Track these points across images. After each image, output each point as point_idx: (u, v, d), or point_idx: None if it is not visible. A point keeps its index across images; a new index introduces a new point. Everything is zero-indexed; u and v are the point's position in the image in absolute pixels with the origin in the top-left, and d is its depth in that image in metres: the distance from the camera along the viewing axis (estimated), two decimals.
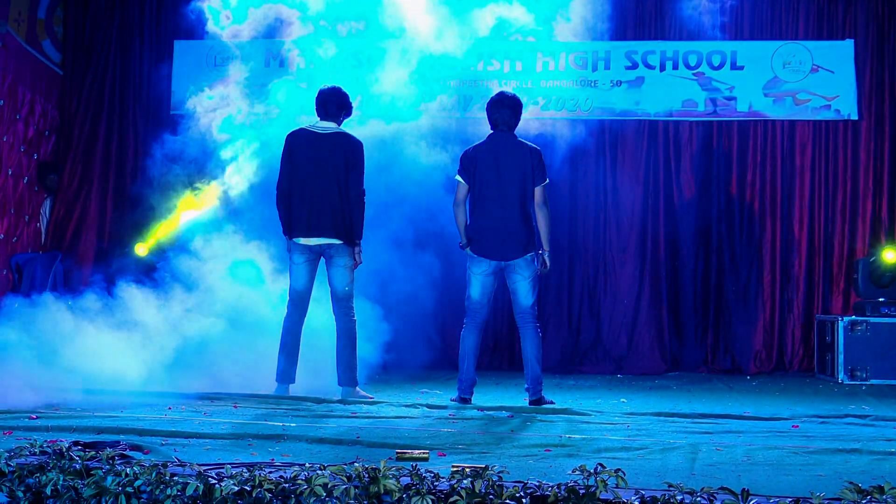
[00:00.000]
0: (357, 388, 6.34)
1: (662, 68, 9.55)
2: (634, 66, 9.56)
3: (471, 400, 6.24)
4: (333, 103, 6.42)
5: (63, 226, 9.70)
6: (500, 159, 6.16)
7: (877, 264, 8.71)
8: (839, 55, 9.40)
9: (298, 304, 6.41)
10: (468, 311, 6.32)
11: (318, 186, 6.27)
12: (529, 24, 9.27)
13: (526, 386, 6.23)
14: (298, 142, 6.37)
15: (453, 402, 6.16)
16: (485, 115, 6.47)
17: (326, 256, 6.37)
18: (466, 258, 6.31)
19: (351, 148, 6.35)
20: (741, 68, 9.50)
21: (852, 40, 9.40)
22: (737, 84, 9.48)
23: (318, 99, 6.46)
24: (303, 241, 6.30)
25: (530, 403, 6.11)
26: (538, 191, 6.17)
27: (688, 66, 9.52)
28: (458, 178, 6.25)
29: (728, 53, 9.50)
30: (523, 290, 6.20)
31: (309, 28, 8.39)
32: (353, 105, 6.59)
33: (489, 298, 6.32)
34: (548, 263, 6.25)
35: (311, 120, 6.55)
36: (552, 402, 6.15)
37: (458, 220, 6.26)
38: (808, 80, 9.41)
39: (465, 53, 8.75)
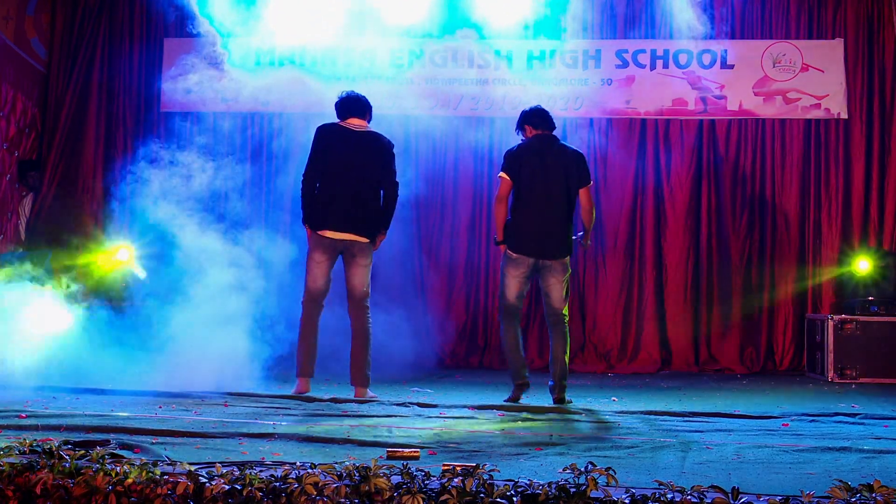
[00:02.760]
0: (367, 390, 6.33)
1: (653, 67, 9.56)
2: (625, 64, 9.57)
3: (528, 383, 6.21)
4: (368, 107, 6.50)
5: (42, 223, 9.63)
6: (546, 160, 6.20)
7: (850, 277, 8.85)
8: (829, 54, 9.43)
9: (316, 301, 6.40)
10: (504, 311, 6.31)
11: (351, 182, 6.28)
12: (521, 23, 9.31)
13: (551, 384, 6.21)
14: (331, 136, 6.38)
15: (506, 402, 6.11)
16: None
17: (348, 254, 6.35)
18: (503, 259, 6.32)
19: (385, 147, 6.42)
20: (731, 67, 9.52)
21: (842, 40, 9.43)
22: (727, 83, 9.50)
23: (347, 100, 6.48)
24: (330, 234, 6.28)
25: (555, 402, 6.12)
26: (584, 192, 6.24)
27: (678, 65, 9.54)
28: (504, 174, 6.24)
29: (718, 52, 9.52)
30: (557, 293, 6.21)
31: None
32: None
33: (524, 298, 6.35)
34: (587, 244, 6.39)
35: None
36: (571, 401, 6.18)
37: (498, 216, 6.28)
38: (798, 79, 9.43)
39: (456, 52, 8.77)
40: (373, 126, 6.50)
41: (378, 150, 6.38)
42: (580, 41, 9.54)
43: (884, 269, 8.77)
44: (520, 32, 9.42)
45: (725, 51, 9.53)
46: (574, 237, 6.35)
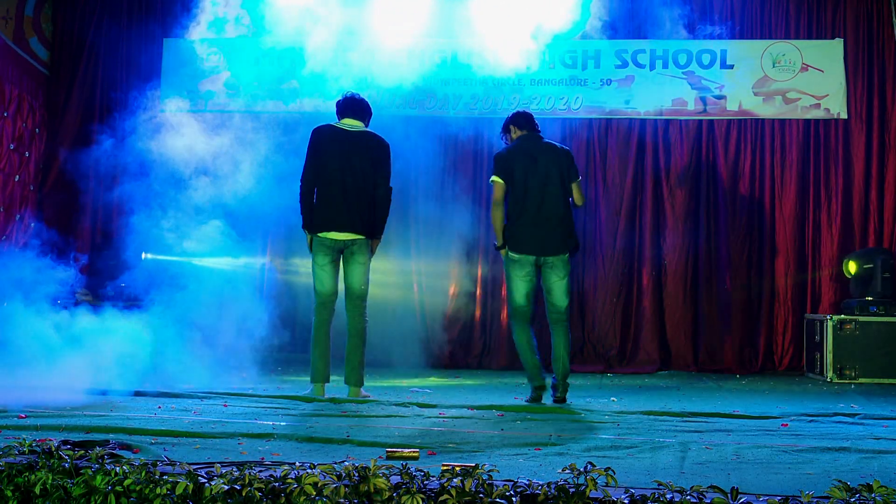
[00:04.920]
0: (361, 389, 6.34)
1: (652, 67, 9.56)
2: (624, 64, 9.57)
3: (546, 385, 6.23)
4: (366, 108, 6.52)
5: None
6: (538, 158, 6.23)
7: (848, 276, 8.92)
8: (829, 54, 9.43)
9: (328, 305, 6.39)
10: (515, 314, 6.31)
11: (347, 182, 6.28)
12: (519, 23, 9.29)
13: (553, 382, 6.23)
14: (325, 137, 6.39)
15: (527, 402, 6.14)
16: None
17: (347, 252, 6.36)
18: (504, 263, 6.33)
19: (380, 147, 6.42)
20: (731, 67, 9.52)
21: (842, 39, 9.43)
22: (727, 83, 9.50)
23: (345, 100, 6.51)
24: (330, 235, 6.28)
25: (556, 401, 6.13)
26: (575, 187, 6.27)
27: (678, 65, 9.53)
28: (497, 178, 6.25)
29: (718, 52, 9.52)
30: (560, 291, 6.22)
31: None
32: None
33: (533, 298, 6.34)
34: (577, 242, 6.35)
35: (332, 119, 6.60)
36: (570, 402, 6.20)
37: (496, 220, 6.27)
38: (798, 79, 9.43)
39: (454, 51, 8.76)
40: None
41: (372, 149, 6.38)
42: (579, 41, 9.54)
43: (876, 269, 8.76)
44: (520, 32, 9.39)
45: (725, 51, 9.52)
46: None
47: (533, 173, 6.18)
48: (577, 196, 6.30)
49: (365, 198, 6.32)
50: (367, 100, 6.58)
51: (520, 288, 6.24)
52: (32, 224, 9.45)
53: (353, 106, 6.49)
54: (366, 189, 6.33)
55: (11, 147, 9.17)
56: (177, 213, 8.02)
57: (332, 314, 6.43)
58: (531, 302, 6.31)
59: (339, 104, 6.53)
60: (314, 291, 6.42)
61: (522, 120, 6.40)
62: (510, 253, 6.24)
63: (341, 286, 6.44)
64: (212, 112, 9.61)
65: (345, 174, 6.28)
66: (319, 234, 6.32)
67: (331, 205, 6.28)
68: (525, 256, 6.19)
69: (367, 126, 6.53)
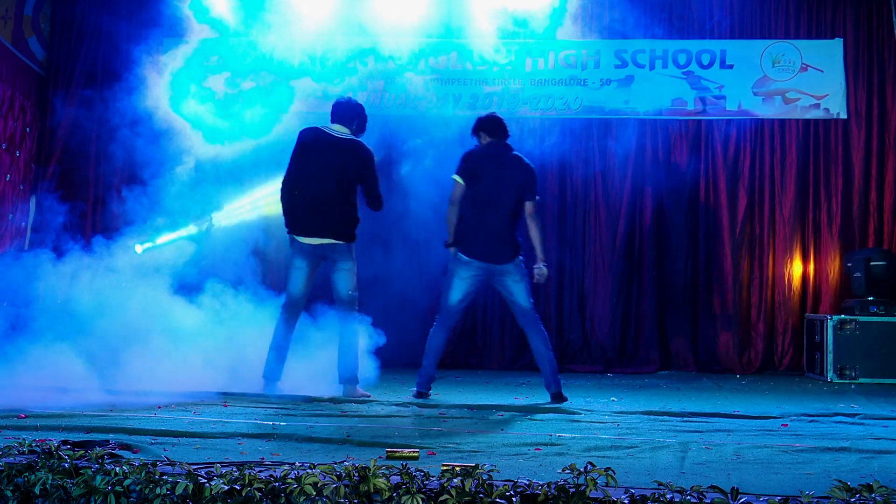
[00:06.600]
0: (356, 387, 6.34)
1: (652, 67, 9.56)
2: (624, 64, 9.56)
3: (429, 395, 6.32)
4: (354, 115, 6.48)
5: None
6: (502, 167, 6.26)
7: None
8: (829, 54, 9.43)
9: (293, 308, 6.39)
10: (443, 312, 6.37)
11: (323, 187, 6.25)
12: (519, 23, 9.30)
13: (545, 382, 6.24)
14: (311, 139, 6.38)
15: (411, 398, 6.20)
16: (476, 114, 6.54)
17: (329, 260, 6.35)
18: (450, 261, 6.32)
19: (364, 155, 6.39)
20: (730, 67, 9.51)
21: (842, 39, 9.42)
22: (726, 83, 9.50)
23: (335, 105, 6.52)
24: (303, 239, 6.28)
25: (553, 399, 6.15)
26: (530, 205, 6.27)
27: (677, 65, 9.53)
28: (457, 177, 6.27)
29: (717, 52, 9.52)
30: (520, 293, 6.25)
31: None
32: (365, 127, 6.61)
33: (467, 304, 6.39)
34: (545, 272, 6.35)
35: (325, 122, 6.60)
36: (568, 399, 6.21)
37: (451, 218, 6.29)
38: (798, 79, 9.43)
39: (457, 52, 8.77)
40: None
41: (351, 156, 6.33)
42: (579, 41, 9.54)
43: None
44: (519, 33, 9.41)
45: (724, 50, 9.52)
46: (535, 266, 6.33)
47: (494, 181, 6.21)
48: (530, 210, 6.27)
49: (342, 203, 6.29)
50: (359, 104, 6.54)
51: (457, 288, 6.28)
52: (23, 224, 9.44)
53: (338, 111, 6.48)
54: (343, 194, 6.29)
55: (3, 147, 9.16)
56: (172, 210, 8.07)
57: (297, 319, 6.41)
58: (461, 309, 6.35)
59: (331, 108, 6.54)
60: (285, 291, 6.43)
61: (492, 126, 6.40)
62: (459, 254, 6.24)
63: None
64: (212, 111, 9.61)
65: (323, 178, 6.25)
66: (297, 238, 6.32)
67: (307, 209, 6.27)
68: (473, 261, 6.21)
69: (356, 130, 6.48)
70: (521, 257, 6.27)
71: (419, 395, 6.29)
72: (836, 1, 9.50)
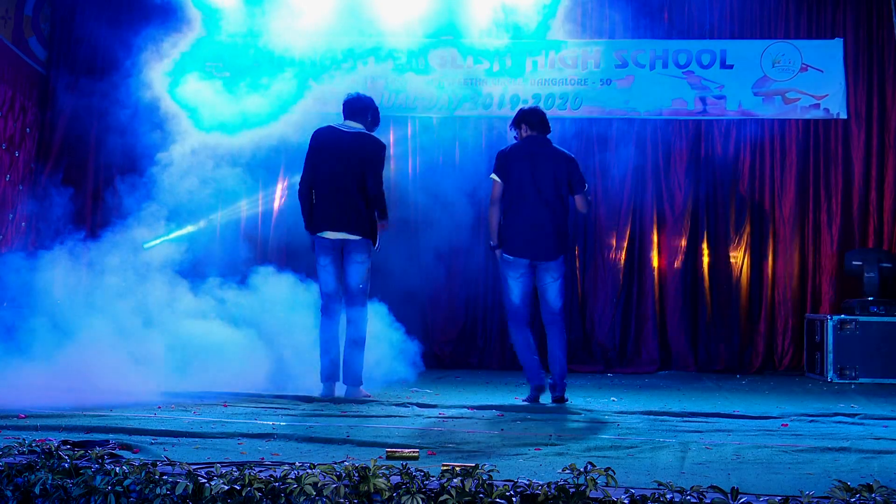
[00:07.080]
0: (360, 388, 6.34)
1: (652, 67, 9.55)
2: (624, 64, 9.56)
3: (544, 386, 6.25)
4: (366, 109, 6.52)
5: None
6: (537, 161, 6.20)
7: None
8: (829, 54, 9.42)
9: (331, 306, 6.43)
10: (512, 315, 6.32)
11: (339, 183, 6.30)
12: (519, 23, 9.30)
13: (551, 383, 6.24)
14: (323, 138, 6.43)
15: (525, 402, 6.18)
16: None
17: (345, 252, 6.38)
18: (500, 263, 6.33)
19: (371, 149, 6.41)
20: (731, 67, 9.51)
21: (842, 39, 9.42)
22: (726, 83, 9.49)
23: (347, 100, 6.55)
24: (328, 234, 6.32)
25: (554, 401, 6.14)
26: (580, 198, 6.26)
27: (677, 65, 9.53)
28: (495, 176, 6.26)
29: (717, 52, 9.52)
30: (554, 292, 6.24)
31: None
32: (379, 119, 6.65)
33: (531, 298, 6.34)
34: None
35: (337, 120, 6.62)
36: (568, 400, 6.22)
37: (492, 219, 6.28)
38: (798, 79, 9.42)
39: (457, 51, 8.76)
40: None
41: (362, 149, 6.37)
42: (579, 41, 9.54)
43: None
44: (519, 32, 9.41)
45: (724, 50, 9.52)
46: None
47: (531, 176, 6.16)
48: (580, 204, 6.30)
49: (357, 198, 6.32)
50: (369, 98, 6.60)
51: (514, 289, 6.25)
52: (23, 224, 9.43)
53: (351, 107, 6.53)
54: (357, 189, 6.32)
55: (3, 147, 9.15)
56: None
57: (339, 313, 6.45)
58: (527, 303, 6.31)
59: (343, 104, 6.57)
60: (319, 292, 6.46)
61: (536, 119, 6.35)
62: (504, 255, 6.24)
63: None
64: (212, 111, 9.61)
65: (336, 175, 6.31)
66: (318, 234, 6.34)
67: (324, 205, 6.32)
68: (518, 259, 6.19)
69: (371, 124, 6.54)
70: (564, 256, 6.25)
71: (537, 389, 6.22)
72: (836, 1, 9.50)
